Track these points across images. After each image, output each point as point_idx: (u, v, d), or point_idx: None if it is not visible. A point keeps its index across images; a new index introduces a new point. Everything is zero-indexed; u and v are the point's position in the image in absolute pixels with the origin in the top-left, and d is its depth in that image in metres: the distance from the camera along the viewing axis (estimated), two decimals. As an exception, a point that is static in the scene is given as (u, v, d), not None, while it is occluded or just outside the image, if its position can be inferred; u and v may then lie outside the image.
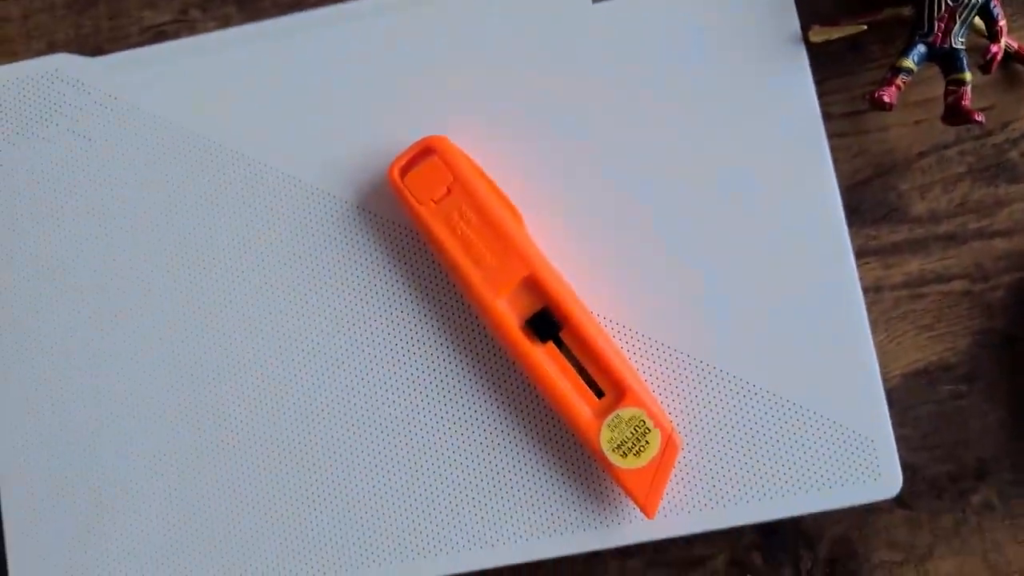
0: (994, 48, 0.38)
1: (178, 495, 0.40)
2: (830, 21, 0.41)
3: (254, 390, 0.40)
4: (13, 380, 0.41)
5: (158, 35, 0.45)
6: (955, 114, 0.38)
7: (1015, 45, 0.41)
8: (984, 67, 0.39)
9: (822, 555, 0.40)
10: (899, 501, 0.40)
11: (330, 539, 0.39)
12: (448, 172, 0.38)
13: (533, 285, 0.37)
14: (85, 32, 0.46)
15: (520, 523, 0.38)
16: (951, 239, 0.41)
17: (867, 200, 0.41)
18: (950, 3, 0.38)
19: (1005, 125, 0.41)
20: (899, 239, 0.41)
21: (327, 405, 0.40)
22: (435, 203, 0.38)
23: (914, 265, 0.41)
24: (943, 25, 0.38)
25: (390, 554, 0.39)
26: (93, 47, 0.45)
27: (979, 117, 0.38)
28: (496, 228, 0.38)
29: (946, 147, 0.41)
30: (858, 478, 0.38)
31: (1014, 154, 0.41)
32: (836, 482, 0.38)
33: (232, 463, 0.40)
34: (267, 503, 0.39)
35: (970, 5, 0.38)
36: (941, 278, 0.41)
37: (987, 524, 0.40)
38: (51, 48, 0.46)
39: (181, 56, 0.42)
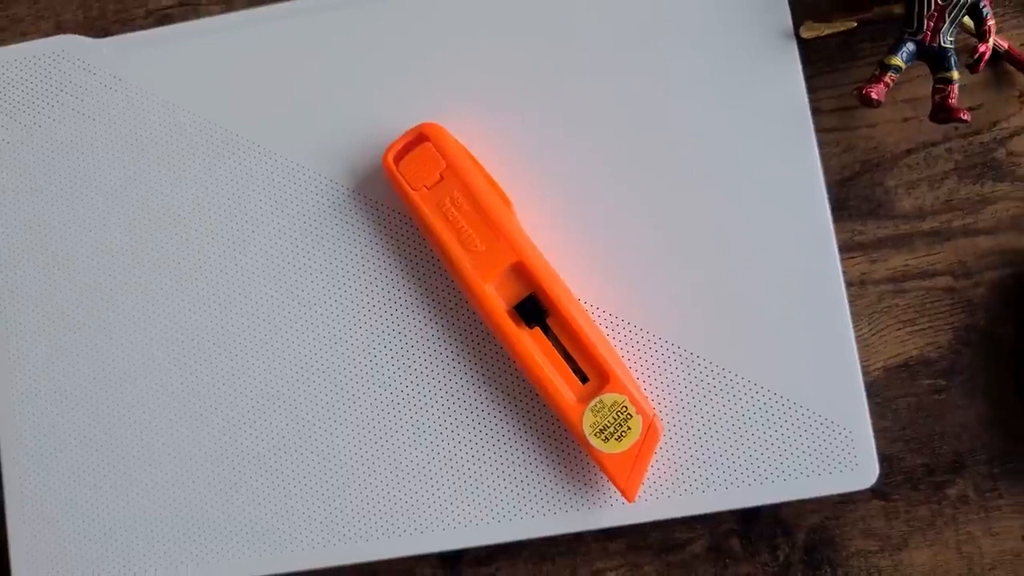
0: (982, 47, 0.39)
1: (180, 463, 0.41)
2: (822, 17, 0.41)
3: (251, 363, 0.41)
4: (14, 354, 0.42)
5: (163, 18, 0.46)
6: (942, 112, 0.39)
7: (1004, 45, 0.41)
8: (972, 66, 0.39)
9: (799, 542, 0.41)
10: (876, 492, 0.41)
11: (318, 515, 0.40)
12: (441, 159, 0.39)
13: (521, 271, 0.38)
14: (92, 14, 0.47)
15: (504, 504, 0.39)
16: (936, 235, 0.42)
17: (854, 195, 0.42)
18: (940, 2, 0.39)
19: (993, 124, 0.42)
20: (884, 235, 0.42)
21: (319, 380, 0.41)
22: (428, 189, 0.39)
23: (898, 260, 0.42)
24: (932, 24, 0.39)
25: (376, 530, 0.40)
26: (99, 29, 0.46)
27: (965, 116, 0.39)
28: (486, 215, 0.38)
29: (934, 144, 0.42)
30: (836, 468, 0.39)
31: (1000, 153, 0.42)
32: (814, 471, 0.39)
33: (227, 433, 0.41)
34: (262, 480, 0.40)
35: (960, 4, 0.39)
36: (925, 274, 0.42)
37: (962, 516, 0.40)
38: (59, 29, 0.47)
39: (185, 39, 0.43)
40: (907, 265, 0.42)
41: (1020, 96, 0.42)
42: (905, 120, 0.42)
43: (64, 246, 0.42)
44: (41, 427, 0.42)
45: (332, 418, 0.40)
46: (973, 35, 0.40)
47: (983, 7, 0.39)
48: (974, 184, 0.42)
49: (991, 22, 0.39)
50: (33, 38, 0.46)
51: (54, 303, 0.42)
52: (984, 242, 0.41)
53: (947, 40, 0.39)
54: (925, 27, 0.39)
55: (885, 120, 0.42)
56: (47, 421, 0.42)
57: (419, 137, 0.40)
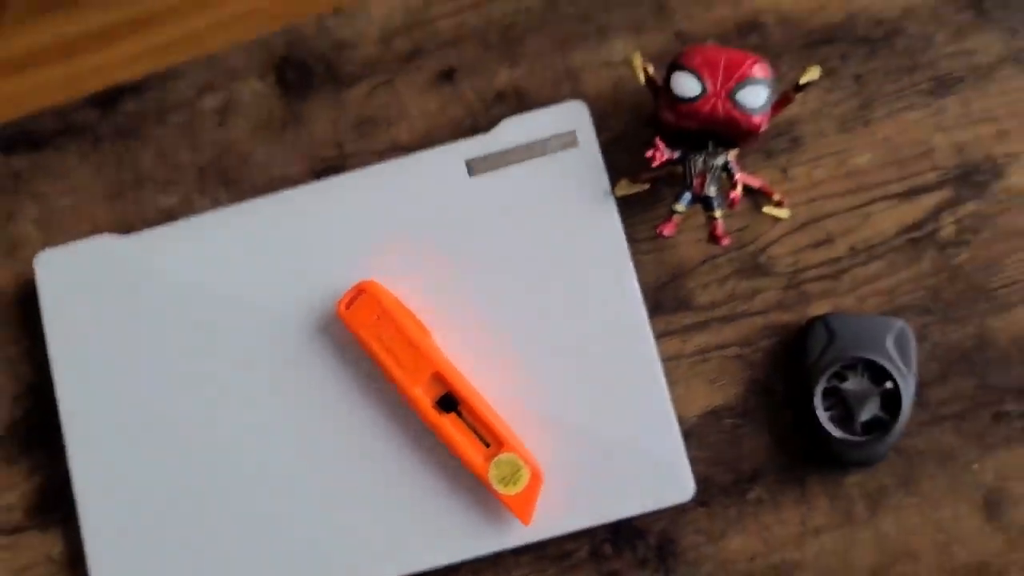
0: (732, 195, 0.57)
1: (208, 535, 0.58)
2: (633, 176, 0.60)
3: (257, 450, 0.58)
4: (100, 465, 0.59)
5: (169, 214, 0.64)
6: (712, 239, 0.58)
7: (757, 183, 0.60)
8: (730, 205, 0.58)
9: (652, 543, 0.58)
10: (700, 502, 0.58)
11: (317, 549, 0.57)
12: (377, 305, 0.57)
13: (439, 377, 0.56)
14: (118, 213, 0.64)
15: (441, 534, 0.57)
16: (725, 319, 0.60)
17: (666, 297, 0.60)
18: (702, 166, 0.57)
19: (756, 238, 0.61)
20: (690, 322, 0.60)
21: (306, 462, 0.58)
22: (370, 326, 0.57)
23: (701, 339, 0.60)
24: (700, 180, 0.57)
25: (350, 562, 0.57)
26: (125, 224, 0.64)
27: (724, 242, 0.57)
28: (411, 341, 0.56)
29: (717, 256, 0.61)
30: (666, 489, 0.56)
31: (763, 258, 0.60)
32: (652, 493, 0.56)
33: (234, 503, 0.58)
34: (260, 532, 0.58)
35: (716, 167, 0.57)
36: (720, 346, 0.60)
37: (760, 512, 0.58)
38: (94, 228, 0.64)
39: (188, 232, 0.61)
40: (707, 342, 0.60)
41: (773, 219, 0.61)
42: (698, 240, 0.61)
43: (122, 384, 0.59)
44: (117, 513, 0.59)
45: (315, 484, 0.58)
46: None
47: (731, 167, 0.57)
48: (748, 281, 0.60)
49: (737, 176, 0.57)
50: (75, 235, 0.64)
51: (115, 420, 0.59)
52: (759, 320, 0.60)
53: (711, 190, 0.57)
54: (695, 183, 0.58)
55: (684, 242, 0.61)
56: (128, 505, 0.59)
57: (359, 291, 0.57)
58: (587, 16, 0.63)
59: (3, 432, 0.62)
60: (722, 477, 0.59)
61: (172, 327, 0.60)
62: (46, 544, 0.61)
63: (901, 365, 0.57)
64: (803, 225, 0.61)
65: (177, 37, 0.66)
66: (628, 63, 0.62)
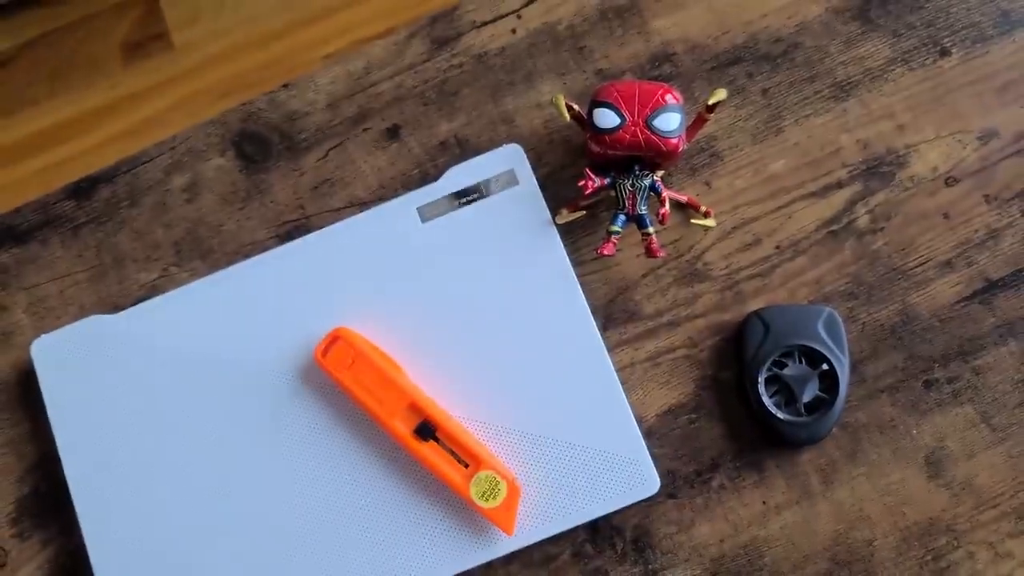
0: (661, 211, 0.63)
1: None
2: (571, 203, 0.65)
3: (254, 508, 0.63)
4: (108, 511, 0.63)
5: (152, 288, 0.68)
6: (649, 253, 0.63)
7: (684, 198, 0.66)
8: (660, 221, 0.63)
9: (628, 537, 0.63)
10: (668, 494, 0.63)
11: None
12: (351, 348, 0.62)
13: (415, 408, 0.61)
14: (103, 294, 0.69)
15: (431, 553, 0.61)
16: (672, 324, 0.65)
17: (616, 310, 0.66)
18: (631, 188, 0.63)
19: (690, 248, 0.66)
20: (640, 331, 0.65)
21: (301, 499, 0.62)
22: (347, 369, 0.62)
23: (652, 345, 0.65)
24: (631, 201, 0.63)
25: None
26: (111, 304, 0.69)
27: (659, 255, 0.62)
28: (386, 378, 0.61)
29: (657, 268, 0.66)
30: (633, 485, 0.61)
31: (699, 265, 0.66)
32: (621, 490, 0.61)
33: (240, 553, 0.62)
34: (258, 552, 0.62)
35: (644, 187, 0.63)
36: (669, 349, 0.65)
37: (723, 497, 0.63)
38: (82, 310, 0.69)
39: (172, 304, 0.66)
40: (657, 347, 0.65)
41: (703, 229, 0.66)
42: (638, 256, 0.66)
43: (124, 450, 0.64)
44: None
45: (311, 518, 0.62)
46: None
47: (657, 186, 0.63)
48: (688, 287, 0.66)
49: (664, 193, 0.63)
50: (65, 319, 0.68)
51: (121, 484, 0.64)
52: (701, 322, 0.65)
53: (641, 209, 0.63)
54: (627, 204, 0.63)
55: (626, 259, 0.66)
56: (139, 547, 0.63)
57: (334, 338, 0.62)
58: (514, 65, 0.69)
59: (14, 510, 0.66)
60: (685, 469, 0.64)
61: (166, 392, 0.65)
62: (67, 609, 0.65)
63: (833, 347, 0.62)
64: (732, 231, 0.66)
65: (139, 121, 0.72)
66: (553, 104, 0.68)
